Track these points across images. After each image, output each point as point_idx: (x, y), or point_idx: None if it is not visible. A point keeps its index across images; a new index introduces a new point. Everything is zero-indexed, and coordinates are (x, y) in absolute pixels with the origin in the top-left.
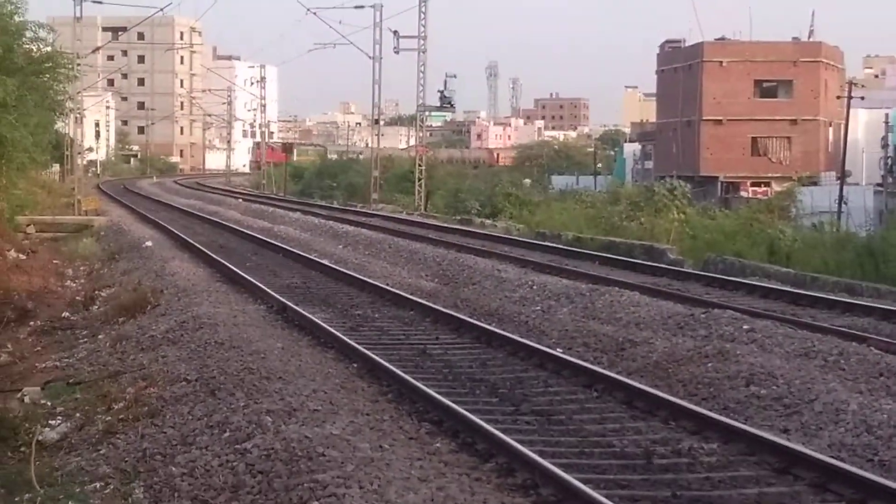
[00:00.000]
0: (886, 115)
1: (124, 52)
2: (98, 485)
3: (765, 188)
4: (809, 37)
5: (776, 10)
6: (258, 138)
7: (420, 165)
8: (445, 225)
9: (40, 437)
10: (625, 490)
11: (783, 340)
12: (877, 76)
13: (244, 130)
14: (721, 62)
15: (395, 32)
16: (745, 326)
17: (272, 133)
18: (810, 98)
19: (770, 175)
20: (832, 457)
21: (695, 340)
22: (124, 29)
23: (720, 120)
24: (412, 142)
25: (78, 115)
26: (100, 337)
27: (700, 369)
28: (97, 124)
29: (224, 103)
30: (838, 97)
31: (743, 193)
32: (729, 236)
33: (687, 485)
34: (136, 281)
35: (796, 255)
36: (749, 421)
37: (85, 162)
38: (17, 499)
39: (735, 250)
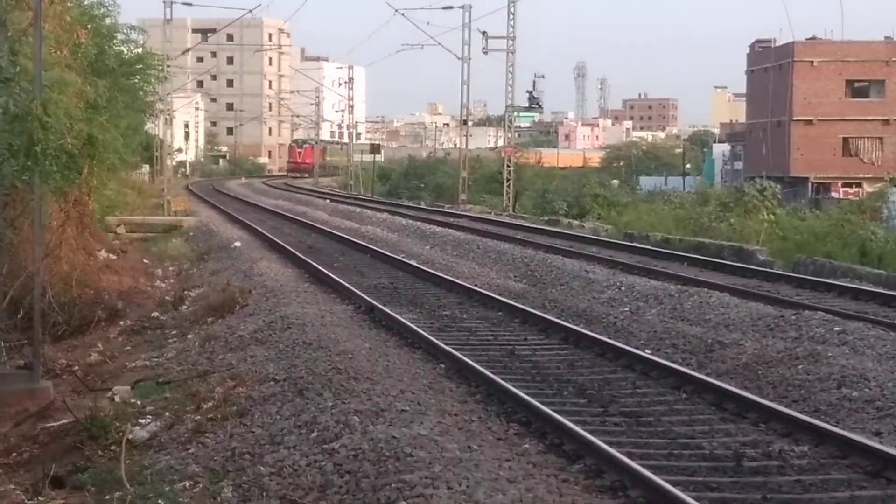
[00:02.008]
0: None
1: (213, 54)
2: (187, 483)
3: (856, 189)
4: None
5: (868, 9)
6: (305, 136)
7: (508, 166)
8: (533, 226)
9: (130, 436)
10: (714, 492)
11: (875, 342)
12: None
13: (332, 131)
14: (812, 62)
15: (484, 33)
16: (836, 328)
17: (360, 134)
18: None
19: (861, 176)
20: None
21: (785, 342)
22: (213, 30)
23: (811, 120)
24: (500, 142)
25: (168, 117)
26: (189, 337)
27: (790, 371)
28: (186, 125)
29: (312, 104)
30: None
31: (834, 194)
32: (819, 237)
33: (777, 488)
34: (224, 281)
35: (888, 257)
36: (840, 423)
37: (174, 163)
38: (107, 497)
39: (826, 251)
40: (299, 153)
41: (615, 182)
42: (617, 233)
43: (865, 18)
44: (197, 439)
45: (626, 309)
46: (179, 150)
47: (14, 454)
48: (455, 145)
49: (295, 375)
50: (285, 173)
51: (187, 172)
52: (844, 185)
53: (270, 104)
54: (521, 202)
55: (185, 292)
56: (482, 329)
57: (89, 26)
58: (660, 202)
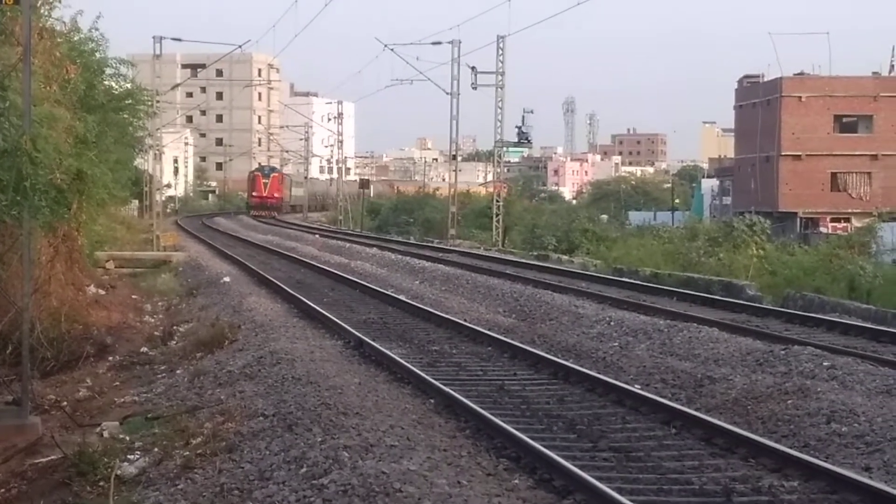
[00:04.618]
0: None
1: (203, 89)
2: None
3: (844, 224)
4: (890, 71)
5: (856, 45)
6: (269, 166)
7: (498, 201)
8: (522, 261)
9: (119, 472)
10: None
11: (864, 377)
12: None
13: (321, 166)
14: (800, 97)
15: (473, 68)
16: (825, 363)
17: (349, 169)
18: (891, 133)
19: (850, 211)
20: None
21: (774, 377)
22: (203, 66)
23: (799, 155)
24: (489, 177)
25: (157, 152)
26: (178, 372)
27: (780, 406)
28: (176, 160)
29: (301, 139)
30: None
31: (822, 229)
32: (808, 272)
33: None
34: (213, 316)
35: (877, 292)
36: (830, 459)
37: (163, 198)
38: None
39: (815, 286)
40: (265, 184)
41: (604, 217)
42: (606, 268)
43: (853, 54)
44: (186, 475)
45: (616, 344)
46: (168, 186)
47: (2, 490)
48: (444, 180)
49: (284, 411)
50: (246, 212)
51: (176, 208)
52: (833, 220)
53: (260, 139)
54: (510, 237)
55: (175, 327)
56: (471, 364)
57: (79, 62)
58: (649, 237)
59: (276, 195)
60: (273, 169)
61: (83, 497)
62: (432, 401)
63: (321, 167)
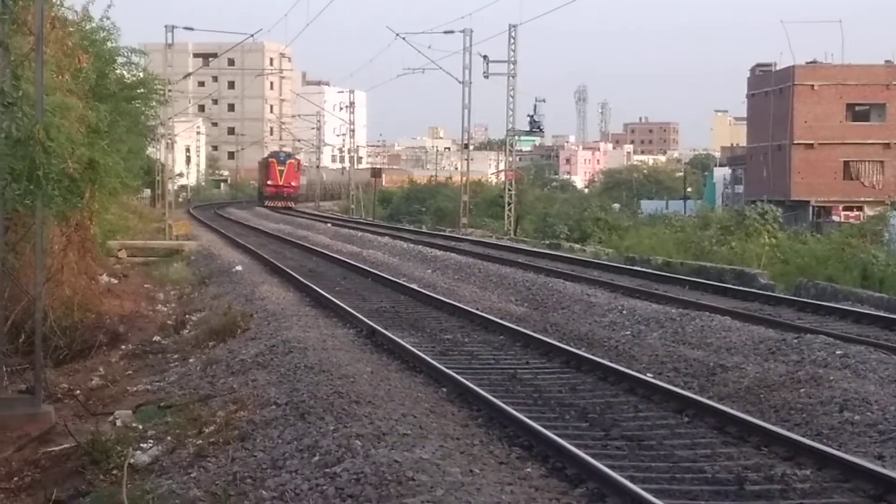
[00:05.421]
0: None
1: (215, 78)
2: None
3: (857, 212)
4: None
5: (868, 33)
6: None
7: (510, 190)
8: (534, 249)
9: (132, 460)
10: None
11: (877, 366)
12: None
13: (333, 155)
14: (812, 86)
15: (485, 57)
16: (838, 352)
17: (361, 158)
18: None
19: (862, 199)
20: None
21: (787, 366)
22: (215, 55)
23: (811, 144)
24: (501, 166)
25: (169, 141)
26: (190, 361)
27: (792, 395)
28: (188, 150)
29: (313, 128)
30: None
31: (835, 218)
32: (821, 261)
33: None
34: (226, 305)
35: (890, 281)
36: (843, 447)
37: (176, 187)
38: None
39: (827, 275)
40: (280, 172)
41: (616, 206)
42: (618, 256)
43: (866, 42)
44: (199, 463)
45: (628, 332)
46: (181, 175)
47: (16, 479)
48: (456, 169)
49: (297, 399)
50: (258, 202)
51: (188, 197)
52: (845, 209)
53: (272, 128)
54: (522, 226)
55: (187, 316)
56: (484, 353)
57: (91, 51)
58: (661, 226)
59: (292, 184)
60: (289, 155)
61: (96, 485)
62: (445, 389)
63: (333, 156)
